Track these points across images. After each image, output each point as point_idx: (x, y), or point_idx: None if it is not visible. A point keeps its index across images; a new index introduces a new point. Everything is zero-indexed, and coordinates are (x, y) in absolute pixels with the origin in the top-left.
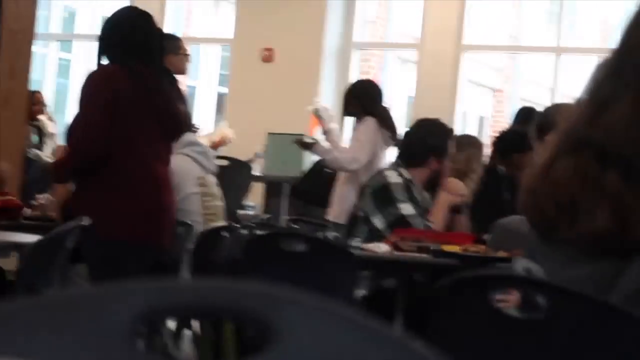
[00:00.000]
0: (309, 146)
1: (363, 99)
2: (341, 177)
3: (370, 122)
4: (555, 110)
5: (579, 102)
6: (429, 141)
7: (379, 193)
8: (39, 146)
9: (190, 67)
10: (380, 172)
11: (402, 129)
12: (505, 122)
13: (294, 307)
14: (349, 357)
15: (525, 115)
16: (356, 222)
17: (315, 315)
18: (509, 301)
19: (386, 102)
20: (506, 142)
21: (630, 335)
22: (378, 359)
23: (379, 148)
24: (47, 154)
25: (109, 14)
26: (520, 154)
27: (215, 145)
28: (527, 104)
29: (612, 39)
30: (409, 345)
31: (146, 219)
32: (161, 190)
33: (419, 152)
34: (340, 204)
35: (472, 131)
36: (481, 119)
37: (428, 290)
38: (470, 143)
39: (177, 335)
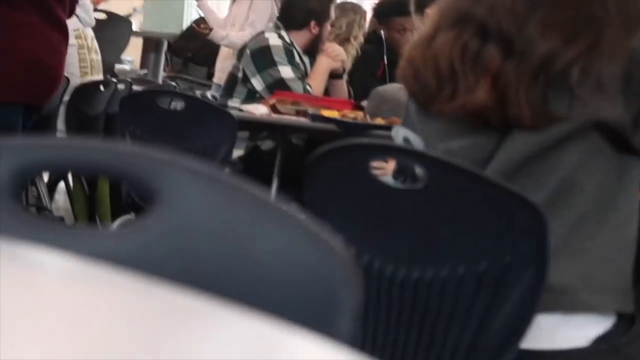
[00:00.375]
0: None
1: None
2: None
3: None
4: None
5: None
6: (311, 5)
7: (259, 54)
8: None
9: None
10: (261, 34)
11: None
12: None
13: (174, 170)
14: (227, 221)
15: None
16: (235, 83)
17: (195, 179)
18: (384, 169)
19: None
20: (385, 6)
21: (504, 207)
22: (254, 222)
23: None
24: None
25: None
26: (399, 18)
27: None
28: None
29: None
30: (283, 209)
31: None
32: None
33: (300, 15)
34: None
35: None
36: None
37: (305, 155)
38: (352, 9)
39: (51, 188)
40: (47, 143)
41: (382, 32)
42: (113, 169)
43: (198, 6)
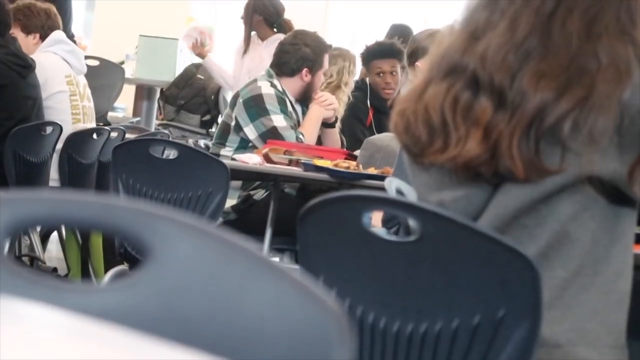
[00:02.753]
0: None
1: (266, 13)
2: None
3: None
4: (426, 37)
5: (452, 28)
6: (304, 52)
7: (251, 103)
8: None
9: None
10: (254, 82)
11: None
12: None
13: (167, 225)
14: (220, 277)
15: (398, 31)
16: (227, 131)
17: (187, 235)
18: (372, 219)
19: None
20: (366, 51)
21: (497, 260)
22: (247, 278)
23: None
24: None
25: None
26: (377, 61)
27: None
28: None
29: None
30: (276, 265)
31: None
32: None
33: (292, 61)
34: None
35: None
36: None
37: (298, 204)
38: (340, 55)
39: (44, 237)
40: (40, 198)
41: (367, 78)
42: (106, 224)
43: (204, 64)
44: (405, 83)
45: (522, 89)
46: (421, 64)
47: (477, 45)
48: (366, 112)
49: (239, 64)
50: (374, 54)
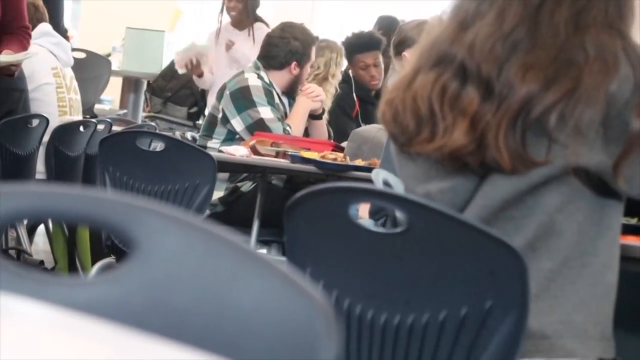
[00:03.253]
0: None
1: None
2: None
3: None
4: (413, 27)
5: (441, 18)
6: (293, 45)
7: (238, 95)
8: None
9: None
10: (240, 74)
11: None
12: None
13: (154, 218)
14: (206, 270)
15: (385, 23)
16: (214, 123)
17: (174, 228)
18: (359, 211)
19: None
20: (348, 45)
21: (485, 252)
22: (233, 271)
23: None
24: None
25: None
26: (359, 54)
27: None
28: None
29: None
30: (262, 258)
31: None
32: None
33: (281, 55)
34: None
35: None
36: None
37: (286, 197)
38: (327, 47)
39: (31, 230)
40: (27, 191)
41: (350, 71)
42: (93, 217)
43: (200, 84)
44: (392, 75)
45: (509, 80)
46: (409, 54)
47: (466, 34)
48: (352, 104)
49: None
50: (355, 48)
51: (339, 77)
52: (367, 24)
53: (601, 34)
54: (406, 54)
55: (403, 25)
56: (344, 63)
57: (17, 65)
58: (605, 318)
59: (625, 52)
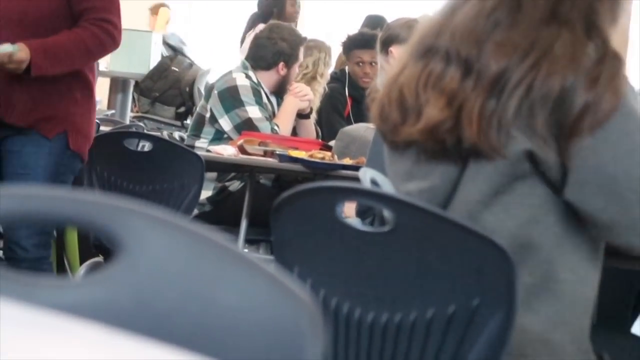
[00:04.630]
0: None
1: None
2: None
3: None
4: (401, 24)
5: (431, 17)
6: (280, 46)
7: (226, 94)
8: None
9: None
10: (228, 74)
11: None
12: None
13: (139, 220)
14: (192, 271)
15: (373, 22)
16: (202, 123)
17: (160, 229)
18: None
19: None
20: (348, 40)
21: (471, 250)
22: (219, 272)
23: None
24: None
25: None
26: (357, 50)
27: None
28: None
29: None
30: (248, 259)
31: None
32: None
33: (269, 55)
34: None
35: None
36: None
37: (274, 196)
38: (315, 47)
39: None
40: (12, 193)
41: (346, 67)
42: (78, 219)
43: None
44: (380, 74)
45: (485, 57)
46: (395, 50)
47: (451, 22)
48: (344, 103)
49: None
50: (356, 44)
51: (327, 76)
52: (355, 24)
53: (576, 29)
54: (392, 49)
55: (391, 22)
56: (332, 63)
57: (17, 61)
58: (582, 333)
59: (597, 53)
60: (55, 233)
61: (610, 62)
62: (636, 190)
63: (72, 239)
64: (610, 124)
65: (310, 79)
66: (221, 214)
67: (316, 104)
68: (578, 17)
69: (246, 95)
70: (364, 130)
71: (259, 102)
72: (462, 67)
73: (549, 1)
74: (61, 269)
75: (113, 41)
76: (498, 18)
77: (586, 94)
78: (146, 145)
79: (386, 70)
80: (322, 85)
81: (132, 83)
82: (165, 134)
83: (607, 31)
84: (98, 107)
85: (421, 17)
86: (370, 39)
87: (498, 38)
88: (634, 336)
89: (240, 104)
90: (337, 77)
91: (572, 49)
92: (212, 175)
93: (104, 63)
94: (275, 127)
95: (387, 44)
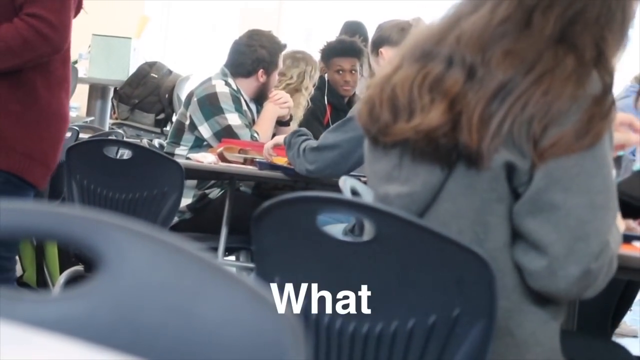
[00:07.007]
0: None
1: None
2: None
3: None
4: (392, 26)
5: (431, 22)
6: (260, 53)
7: (206, 101)
8: None
9: None
10: (208, 81)
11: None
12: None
13: (119, 234)
14: (172, 285)
15: (351, 28)
16: (182, 130)
17: (139, 243)
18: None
19: None
20: (327, 48)
21: (452, 260)
22: (199, 286)
23: None
24: None
25: None
26: (337, 58)
27: None
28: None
29: None
30: (228, 272)
31: None
32: None
33: (248, 63)
34: None
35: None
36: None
37: (254, 204)
38: (303, 59)
39: None
40: None
41: (326, 75)
42: (58, 234)
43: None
44: (361, 81)
45: (490, 64)
46: (385, 52)
47: (454, 32)
48: (323, 110)
49: None
50: (335, 52)
51: (311, 90)
52: (333, 29)
53: (584, 55)
54: (383, 51)
55: (382, 23)
56: (317, 77)
57: None
58: (554, 352)
59: (600, 77)
60: (34, 241)
61: (607, 103)
62: (571, 228)
63: (52, 248)
64: (578, 157)
65: (294, 90)
66: (201, 221)
67: (298, 117)
68: (588, 43)
69: (226, 103)
70: None
71: (238, 109)
72: (465, 71)
73: (561, 21)
74: (41, 278)
75: (45, 40)
76: (507, 29)
77: (573, 125)
78: (125, 153)
79: (376, 71)
80: (305, 99)
81: (112, 89)
82: (145, 142)
83: (612, 62)
84: (76, 113)
85: (415, 21)
86: (350, 46)
87: (506, 47)
88: (614, 343)
89: (219, 111)
90: (318, 86)
91: (576, 76)
92: (192, 182)
93: (83, 69)
94: (255, 135)
95: (377, 45)
